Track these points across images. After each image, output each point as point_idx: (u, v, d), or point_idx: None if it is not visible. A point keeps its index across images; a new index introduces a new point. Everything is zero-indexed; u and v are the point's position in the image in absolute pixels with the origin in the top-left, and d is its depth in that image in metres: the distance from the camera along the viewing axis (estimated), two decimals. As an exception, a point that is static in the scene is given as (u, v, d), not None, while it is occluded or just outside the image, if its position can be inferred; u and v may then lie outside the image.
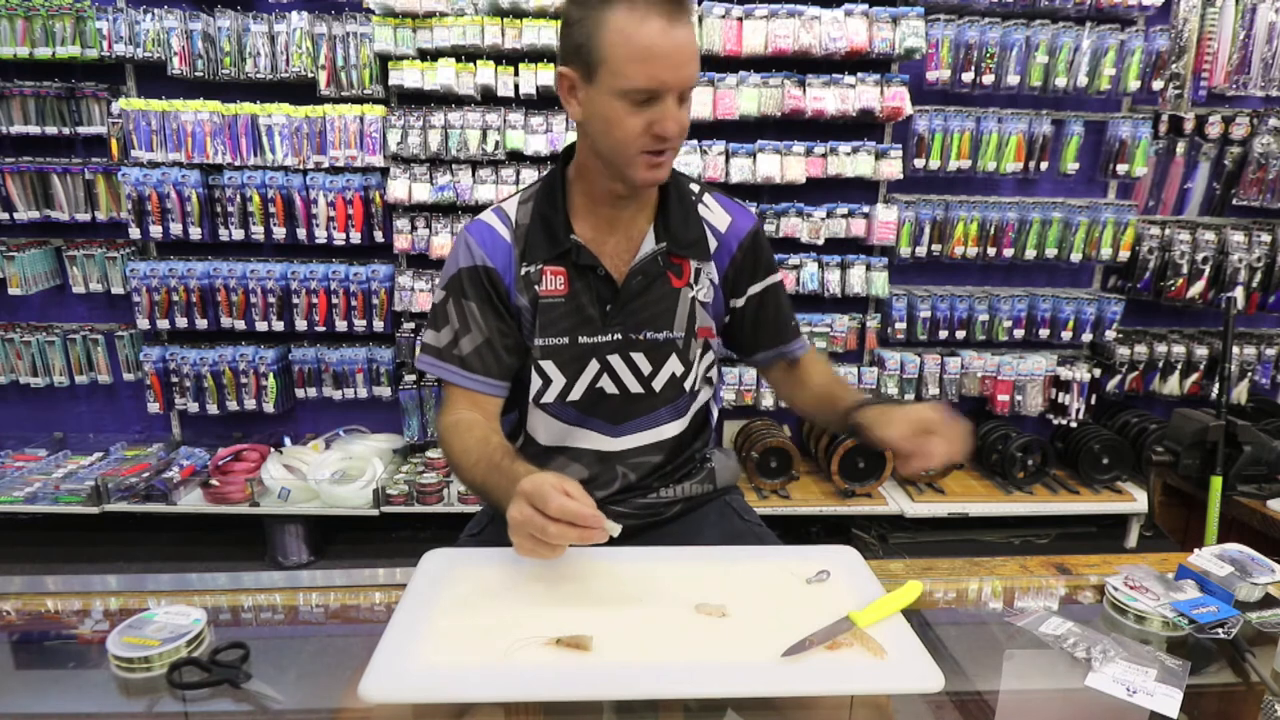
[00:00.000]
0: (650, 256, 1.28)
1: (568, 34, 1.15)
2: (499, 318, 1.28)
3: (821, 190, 3.15)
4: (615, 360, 1.29)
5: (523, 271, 1.27)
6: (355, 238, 3.08)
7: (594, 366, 1.29)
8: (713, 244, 1.33)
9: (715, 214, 1.34)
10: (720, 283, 1.34)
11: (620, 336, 1.28)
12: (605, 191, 1.25)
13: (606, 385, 1.30)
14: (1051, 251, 3.15)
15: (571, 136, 2.96)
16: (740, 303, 1.38)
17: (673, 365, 1.31)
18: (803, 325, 3.15)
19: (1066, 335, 3.22)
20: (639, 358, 1.30)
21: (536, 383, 1.30)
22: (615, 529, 0.95)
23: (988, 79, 3.02)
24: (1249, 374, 3.26)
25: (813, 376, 1.44)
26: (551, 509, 0.92)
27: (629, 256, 1.29)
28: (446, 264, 1.32)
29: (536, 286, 1.27)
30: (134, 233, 3.04)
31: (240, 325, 3.14)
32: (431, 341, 1.30)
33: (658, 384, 1.31)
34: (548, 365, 1.29)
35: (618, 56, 1.09)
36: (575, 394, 1.30)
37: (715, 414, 1.48)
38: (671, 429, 1.35)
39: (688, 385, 1.33)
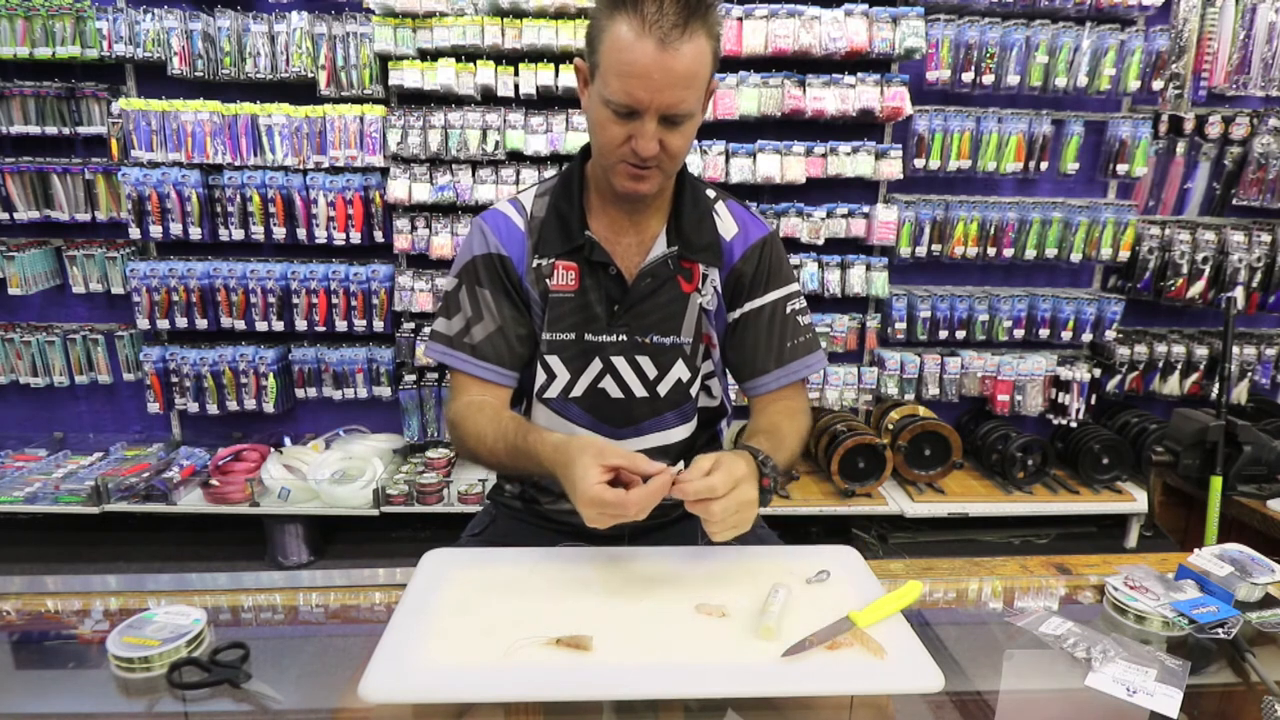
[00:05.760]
0: (661, 259, 1.27)
1: (589, 26, 1.16)
2: (512, 306, 1.28)
3: (821, 190, 3.15)
4: (620, 362, 1.29)
5: (535, 264, 1.27)
6: (355, 238, 3.08)
7: (597, 365, 1.28)
8: (720, 251, 1.32)
9: (725, 222, 1.32)
10: (721, 290, 1.32)
11: (625, 338, 1.28)
12: (610, 189, 1.24)
13: (610, 388, 1.30)
14: (1051, 251, 3.15)
15: (571, 137, 2.99)
16: (739, 315, 1.32)
17: (679, 371, 1.30)
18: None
19: (1066, 335, 3.22)
20: (644, 361, 1.29)
21: (541, 376, 1.30)
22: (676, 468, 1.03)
23: (988, 79, 3.02)
24: (1249, 374, 3.26)
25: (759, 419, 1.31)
26: (633, 514, 0.99)
27: (640, 257, 1.28)
28: (460, 252, 1.31)
29: (548, 280, 1.27)
30: (134, 233, 3.04)
31: (240, 325, 3.14)
32: (442, 330, 1.29)
33: (663, 388, 1.30)
34: (553, 360, 1.29)
35: (607, 65, 1.10)
36: (578, 390, 1.30)
37: (725, 425, 1.47)
38: (679, 433, 1.34)
39: (693, 391, 1.33)
